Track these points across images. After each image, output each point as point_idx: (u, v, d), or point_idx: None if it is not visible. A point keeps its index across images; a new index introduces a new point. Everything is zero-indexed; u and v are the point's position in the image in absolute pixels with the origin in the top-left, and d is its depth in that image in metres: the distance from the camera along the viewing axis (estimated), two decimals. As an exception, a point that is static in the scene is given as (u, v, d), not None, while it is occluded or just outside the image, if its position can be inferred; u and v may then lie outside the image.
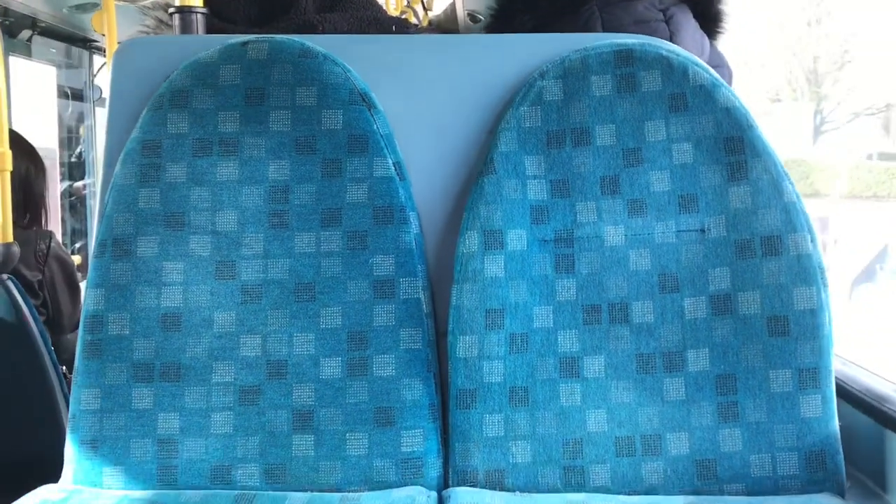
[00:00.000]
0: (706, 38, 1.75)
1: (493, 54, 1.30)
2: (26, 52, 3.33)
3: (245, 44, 1.25)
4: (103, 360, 1.18)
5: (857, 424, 1.23)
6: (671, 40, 1.45)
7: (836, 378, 1.17)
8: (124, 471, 1.16)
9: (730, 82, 1.76)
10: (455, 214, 1.27)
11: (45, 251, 2.22)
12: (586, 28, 1.64)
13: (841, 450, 1.14)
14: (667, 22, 1.66)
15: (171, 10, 1.44)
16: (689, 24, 1.69)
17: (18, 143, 2.16)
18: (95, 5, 3.17)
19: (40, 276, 2.23)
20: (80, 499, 1.11)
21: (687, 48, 1.28)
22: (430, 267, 1.25)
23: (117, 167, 1.23)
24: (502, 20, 1.76)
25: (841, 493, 1.13)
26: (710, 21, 1.75)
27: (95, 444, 1.17)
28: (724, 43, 1.77)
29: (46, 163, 2.43)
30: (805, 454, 1.13)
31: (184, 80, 1.24)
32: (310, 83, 1.23)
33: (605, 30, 1.63)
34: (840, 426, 1.15)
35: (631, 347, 1.18)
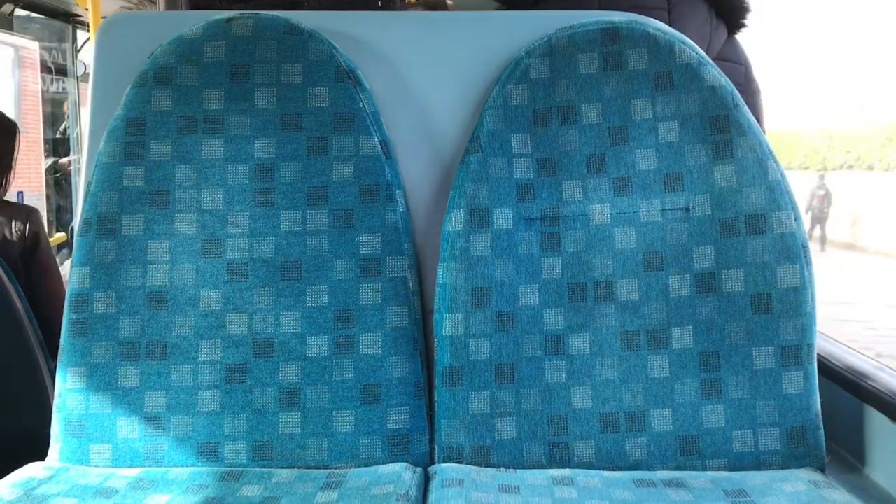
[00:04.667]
0: (722, 31, 1.72)
1: (480, 32, 1.30)
2: (8, 26, 3.28)
3: (229, 20, 1.24)
4: (89, 338, 1.18)
5: (837, 400, 1.25)
6: None
7: (817, 355, 1.18)
8: (111, 449, 1.17)
9: (747, 80, 1.74)
10: (441, 193, 1.27)
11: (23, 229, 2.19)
12: (584, 5, 1.63)
13: (822, 425, 1.16)
14: (669, 11, 1.65)
15: None
16: (695, 16, 1.67)
17: None
18: (79, -21, 3.13)
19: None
20: (67, 476, 1.11)
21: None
22: (417, 245, 1.26)
23: (101, 145, 1.22)
24: None
25: (821, 468, 1.14)
26: (728, 14, 1.73)
27: (82, 423, 1.17)
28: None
29: (31, 136, 2.41)
30: (787, 430, 1.15)
31: (168, 56, 1.22)
32: (295, 60, 1.22)
33: (602, 9, 1.62)
34: (821, 402, 1.17)
35: (616, 325, 1.19)
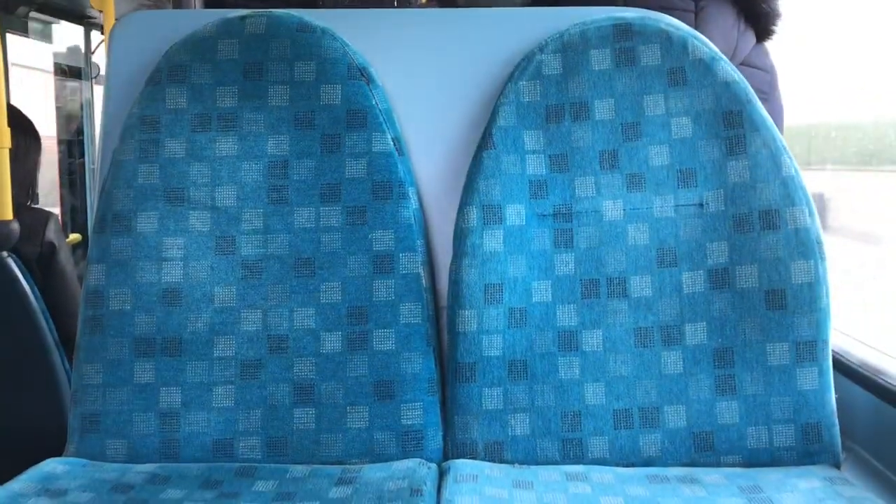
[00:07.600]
0: (749, 37, 1.71)
1: (493, 28, 1.30)
2: (23, 28, 3.30)
3: (243, 18, 1.25)
4: (105, 334, 1.19)
5: (853, 397, 1.24)
6: None
7: (832, 351, 1.18)
8: (127, 444, 1.18)
9: (771, 89, 1.72)
10: (454, 189, 1.27)
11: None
12: (610, 2, 1.61)
13: (837, 422, 1.15)
14: (696, 14, 1.64)
15: None
16: (722, 20, 1.66)
17: (15, 118, 2.15)
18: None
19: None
20: (84, 472, 1.12)
21: (714, 43, 1.25)
22: (430, 242, 1.26)
23: (116, 143, 1.23)
24: None
25: (836, 465, 1.14)
26: (757, 19, 1.71)
27: (98, 419, 1.18)
28: None
29: (44, 142, 2.42)
30: (801, 426, 1.14)
31: (182, 54, 1.23)
32: (308, 58, 1.23)
33: (627, 6, 1.60)
34: (836, 398, 1.16)
35: (629, 321, 1.18)
